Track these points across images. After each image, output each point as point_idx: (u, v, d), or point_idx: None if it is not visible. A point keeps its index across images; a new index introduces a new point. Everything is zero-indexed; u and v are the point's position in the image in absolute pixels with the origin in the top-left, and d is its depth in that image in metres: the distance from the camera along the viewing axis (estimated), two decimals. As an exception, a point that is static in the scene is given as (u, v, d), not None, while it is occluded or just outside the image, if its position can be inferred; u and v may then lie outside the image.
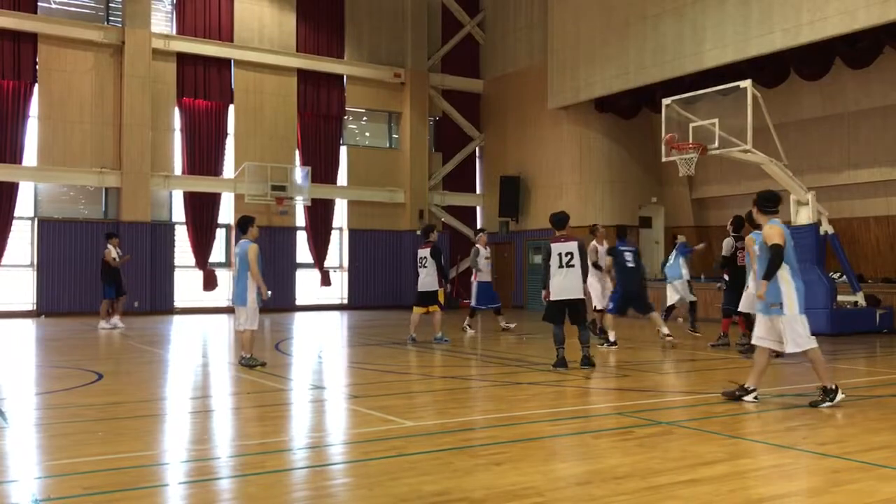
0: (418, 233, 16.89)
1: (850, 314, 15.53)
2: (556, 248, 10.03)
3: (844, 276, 16.24)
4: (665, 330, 12.63)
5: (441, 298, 14.14)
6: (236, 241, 10.76)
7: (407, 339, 13.82)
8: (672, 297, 14.45)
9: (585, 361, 10.10)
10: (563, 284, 9.98)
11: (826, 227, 15.62)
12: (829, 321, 14.88)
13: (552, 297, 10.06)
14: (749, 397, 7.50)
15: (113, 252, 17.03)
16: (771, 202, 7.61)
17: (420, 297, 13.89)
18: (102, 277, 17.22)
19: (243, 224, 10.45)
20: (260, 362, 10.25)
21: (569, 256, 9.93)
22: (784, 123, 18.41)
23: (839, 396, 7.23)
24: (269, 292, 10.46)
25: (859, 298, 15.89)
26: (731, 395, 7.62)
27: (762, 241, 7.50)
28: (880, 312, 15.67)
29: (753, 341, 7.75)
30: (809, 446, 5.75)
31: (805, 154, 19.14)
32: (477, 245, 16.07)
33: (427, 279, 13.78)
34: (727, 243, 12.37)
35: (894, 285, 17.06)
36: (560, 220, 10.22)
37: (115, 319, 17.17)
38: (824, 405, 7.19)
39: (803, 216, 15.60)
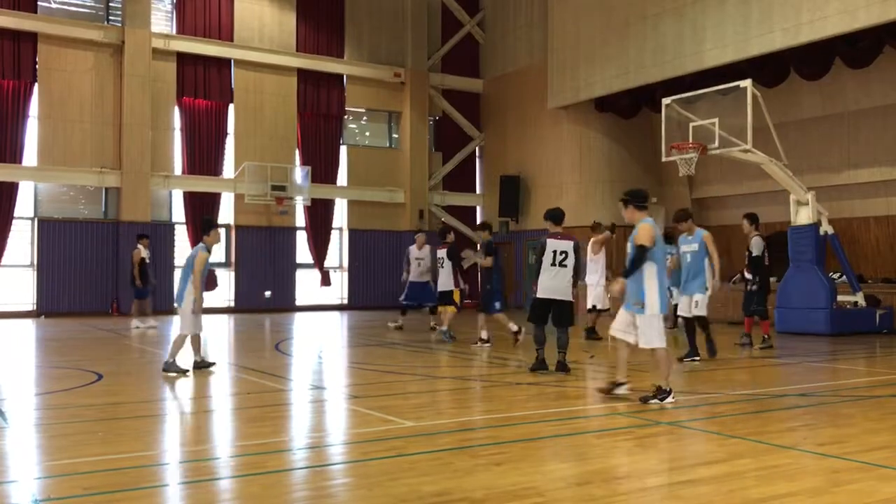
0: (417, 234, 16.96)
1: (850, 314, 15.52)
2: (552, 244, 9.64)
3: (844, 276, 16.24)
4: (484, 335, 12.72)
5: (456, 298, 14.56)
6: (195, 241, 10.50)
7: (443, 336, 14.00)
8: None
9: (560, 367, 9.59)
10: (551, 284, 9.57)
11: (826, 227, 15.62)
12: (829, 321, 14.89)
13: (538, 295, 9.67)
14: (621, 389, 7.78)
15: (143, 252, 17.33)
16: (645, 199, 7.83)
17: (439, 296, 14.61)
18: (133, 278, 17.45)
19: (205, 227, 10.28)
20: (182, 370, 9.65)
21: (563, 255, 9.58)
22: (784, 123, 18.40)
23: (669, 399, 7.37)
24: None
25: (859, 298, 15.89)
26: (604, 391, 7.85)
27: (632, 238, 7.59)
28: (880, 312, 15.67)
29: (612, 332, 7.88)
30: (809, 446, 5.75)
31: (805, 154, 19.13)
32: (410, 247, 16.65)
33: (444, 279, 14.33)
34: (757, 243, 12.36)
35: (894, 285, 17.05)
36: (556, 215, 9.85)
37: (137, 321, 17.34)
38: (653, 401, 7.37)
39: (803, 216, 15.60)
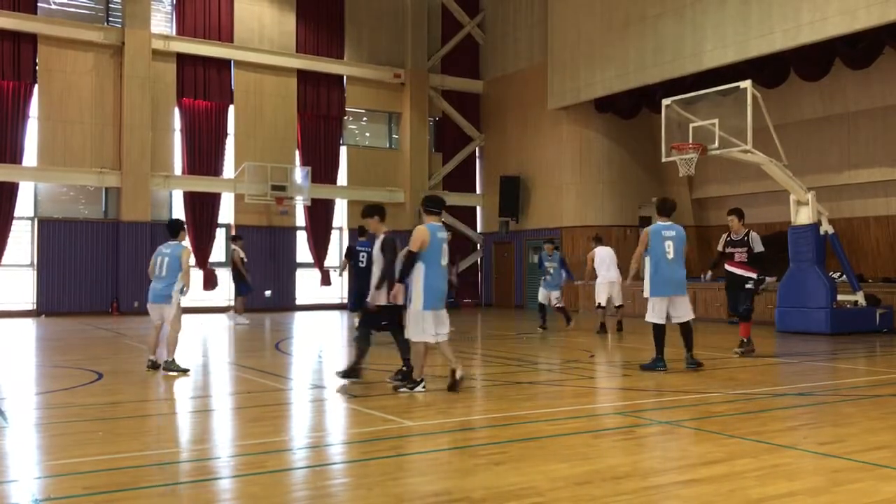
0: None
1: (850, 314, 15.52)
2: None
3: (844, 276, 16.24)
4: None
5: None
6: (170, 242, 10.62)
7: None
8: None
9: (401, 376, 8.63)
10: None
11: (826, 227, 15.62)
12: (829, 321, 14.89)
13: (381, 302, 8.61)
14: (418, 387, 8.16)
15: (241, 252, 18.31)
16: (436, 204, 8.30)
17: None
18: (234, 277, 18.71)
19: (179, 227, 10.42)
20: (183, 369, 9.74)
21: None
22: (784, 123, 18.41)
23: (419, 388, 8.08)
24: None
25: (859, 298, 15.89)
26: (452, 387, 8.13)
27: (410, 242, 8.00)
28: (880, 312, 15.66)
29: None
30: (810, 446, 5.75)
31: (805, 154, 19.15)
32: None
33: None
34: (757, 237, 11.53)
35: (894, 285, 17.06)
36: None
37: (241, 317, 18.37)
38: (402, 390, 8.10)
39: (803, 216, 15.60)
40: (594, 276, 15.91)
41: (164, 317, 10.18)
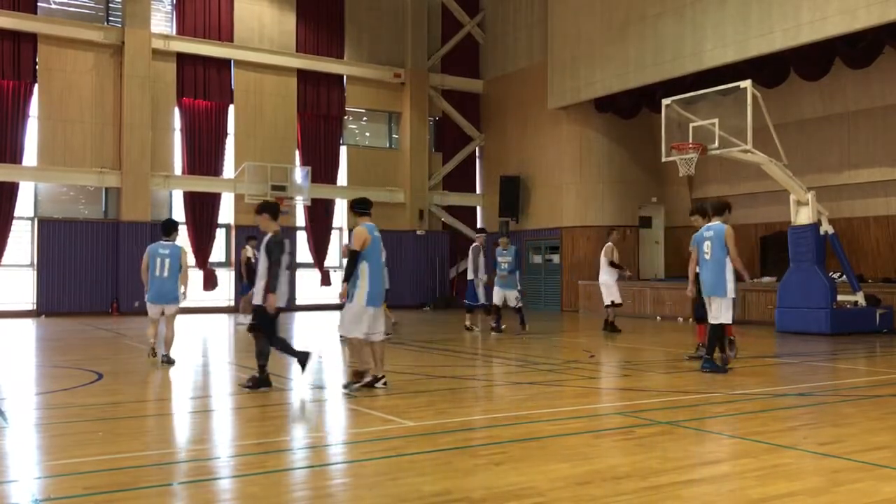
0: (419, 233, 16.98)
1: (850, 314, 15.52)
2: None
3: (844, 276, 16.24)
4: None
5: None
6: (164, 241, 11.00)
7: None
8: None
9: (262, 382, 8.50)
10: (282, 289, 8.66)
11: (826, 227, 15.62)
12: (829, 321, 14.88)
13: (281, 304, 8.61)
14: (379, 384, 8.35)
15: (249, 251, 18.30)
16: (366, 205, 8.65)
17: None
18: (245, 276, 18.63)
19: (173, 227, 11.12)
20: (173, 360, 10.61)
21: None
22: (784, 123, 18.41)
23: (366, 380, 8.26)
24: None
25: (859, 298, 15.89)
26: (368, 385, 8.25)
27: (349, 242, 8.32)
28: (880, 312, 15.66)
29: (340, 333, 8.50)
30: (810, 446, 5.75)
31: (805, 154, 19.15)
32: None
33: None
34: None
35: (894, 285, 17.05)
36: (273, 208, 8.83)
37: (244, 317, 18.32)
38: (354, 386, 8.22)
39: (803, 216, 15.60)
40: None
41: (166, 314, 10.75)
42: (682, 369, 10.08)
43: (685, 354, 11.32)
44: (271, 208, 8.79)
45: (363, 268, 8.30)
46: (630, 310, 20.04)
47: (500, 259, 15.42)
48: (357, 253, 8.30)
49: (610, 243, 15.80)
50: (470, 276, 16.08)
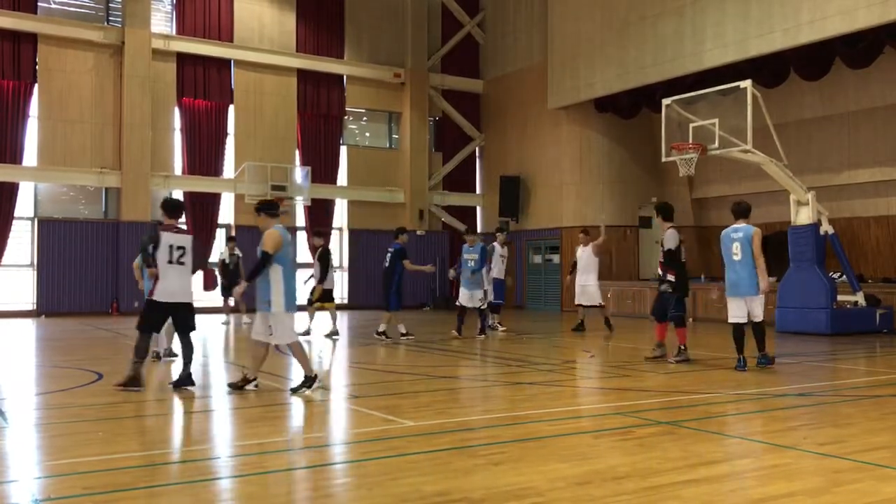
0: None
1: (850, 314, 15.53)
2: (168, 238, 8.61)
3: (844, 276, 16.24)
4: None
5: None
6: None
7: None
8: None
9: (185, 381, 8.54)
10: (176, 285, 8.61)
11: (826, 227, 15.62)
12: (829, 321, 14.89)
13: (158, 298, 8.54)
14: (250, 386, 8.36)
15: (226, 253, 18.62)
16: (275, 207, 8.53)
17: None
18: (222, 276, 19.03)
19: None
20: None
21: (181, 251, 8.63)
22: (784, 123, 18.41)
23: (316, 384, 8.18)
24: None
25: (859, 298, 15.89)
26: (235, 386, 8.34)
27: (261, 244, 8.12)
28: (880, 312, 15.67)
29: (252, 336, 8.44)
30: (810, 446, 5.75)
31: (805, 154, 19.15)
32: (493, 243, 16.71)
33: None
34: (672, 236, 10.73)
35: (894, 285, 17.06)
36: (172, 206, 8.94)
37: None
38: (303, 391, 8.11)
39: (803, 216, 15.60)
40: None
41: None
42: (682, 369, 10.08)
43: (644, 356, 11.17)
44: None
45: (277, 272, 8.12)
46: (630, 310, 20.04)
47: (466, 256, 14.82)
48: (269, 256, 8.06)
49: (592, 242, 16.08)
50: (494, 275, 16.07)
